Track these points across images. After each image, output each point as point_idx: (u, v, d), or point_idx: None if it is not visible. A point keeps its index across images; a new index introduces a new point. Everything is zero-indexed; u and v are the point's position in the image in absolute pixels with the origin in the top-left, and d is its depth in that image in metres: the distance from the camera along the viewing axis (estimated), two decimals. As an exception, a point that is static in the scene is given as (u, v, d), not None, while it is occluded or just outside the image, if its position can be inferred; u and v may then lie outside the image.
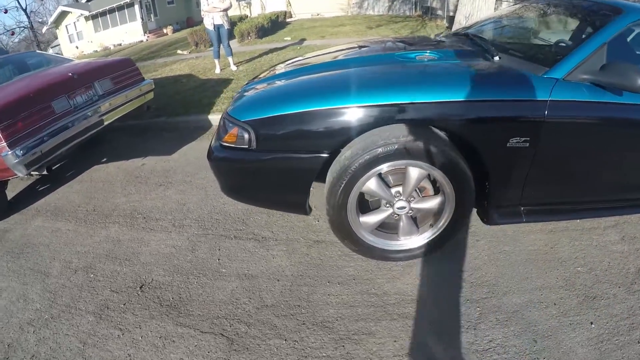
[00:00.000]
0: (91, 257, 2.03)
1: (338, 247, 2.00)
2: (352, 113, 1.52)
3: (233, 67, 5.45)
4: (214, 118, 3.76)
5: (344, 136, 1.56)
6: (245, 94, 1.93)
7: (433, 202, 1.74)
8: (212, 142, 1.89)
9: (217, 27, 5.14)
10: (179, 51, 8.56)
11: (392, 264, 1.90)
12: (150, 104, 3.41)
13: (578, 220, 2.17)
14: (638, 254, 2.06)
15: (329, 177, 1.61)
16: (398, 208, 1.72)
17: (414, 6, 13.22)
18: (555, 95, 1.50)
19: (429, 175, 1.68)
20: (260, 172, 1.70)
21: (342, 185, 1.59)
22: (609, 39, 1.54)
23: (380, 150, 1.50)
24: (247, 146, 1.65)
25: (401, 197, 1.70)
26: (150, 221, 2.29)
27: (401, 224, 1.80)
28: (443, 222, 1.80)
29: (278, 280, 1.81)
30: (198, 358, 1.47)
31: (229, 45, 5.37)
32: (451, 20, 9.39)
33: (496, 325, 1.63)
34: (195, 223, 2.25)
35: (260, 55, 6.43)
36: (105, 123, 2.83)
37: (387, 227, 1.85)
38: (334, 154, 1.59)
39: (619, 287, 1.85)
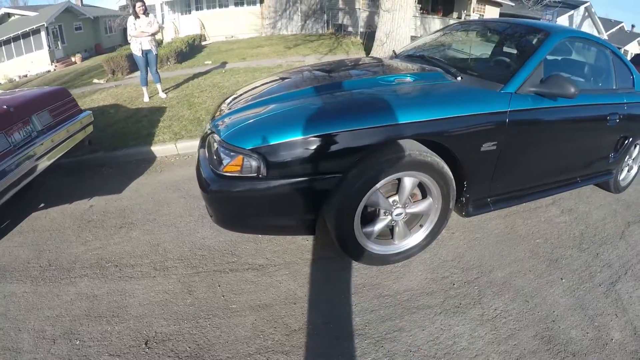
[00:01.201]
0: (67, 320, 1.75)
1: (336, 261, 2.09)
2: (362, 134, 1.67)
3: (162, 95, 5.19)
4: (158, 150, 3.55)
5: (354, 156, 1.69)
6: (233, 118, 1.89)
7: (424, 205, 1.98)
8: (202, 172, 1.82)
9: (145, 53, 4.91)
10: (95, 80, 7.80)
11: (391, 266, 2.07)
12: (91, 138, 3.08)
13: (525, 203, 2.61)
14: (577, 221, 2.62)
15: (339, 196, 1.72)
16: (396, 215, 1.91)
17: (325, 24, 14.23)
18: (513, 106, 1.92)
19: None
20: (271, 199, 1.69)
21: (352, 202, 1.73)
22: (544, 57, 2.01)
23: (384, 166, 1.70)
24: (255, 174, 1.63)
25: (398, 205, 1.90)
26: (125, 269, 2.06)
27: (397, 229, 1.99)
28: (432, 220, 2.04)
29: (294, 304, 1.82)
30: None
31: (157, 72, 5.15)
32: (363, 36, 10.36)
33: (495, 297, 1.91)
34: (179, 263, 2.11)
35: (186, 81, 6.23)
36: (49, 163, 2.47)
37: (381, 235, 2.03)
38: (346, 173, 1.70)
39: (572, 248, 2.33)
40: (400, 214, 1.92)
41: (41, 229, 2.47)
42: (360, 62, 2.71)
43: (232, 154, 1.67)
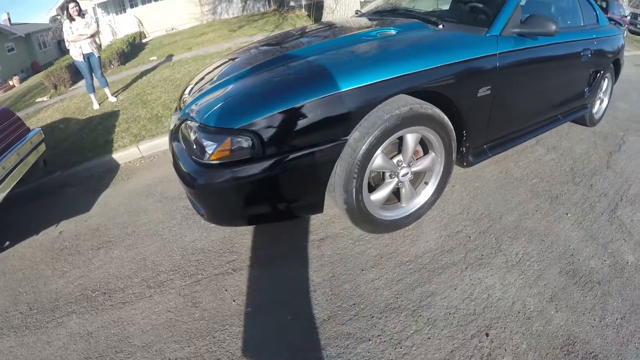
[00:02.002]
0: (65, 370, 1.50)
1: (344, 237, 1.97)
2: (362, 92, 1.51)
3: (112, 99, 4.72)
4: (120, 156, 3.19)
5: (356, 117, 1.54)
6: (206, 100, 1.65)
7: (427, 161, 1.90)
8: (183, 167, 1.59)
9: (87, 57, 4.46)
10: (37, 99, 6.95)
11: (402, 231, 1.99)
12: (46, 158, 2.68)
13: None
14: (564, 157, 2.69)
15: (343, 165, 1.57)
16: (402, 175, 1.81)
17: (267, 2, 13.72)
18: (501, 48, 1.88)
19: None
20: (273, 181, 1.51)
21: (358, 169, 1.59)
22: None
23: (387, 124, 1.56)
24: (249, 156, 1.44)
25: (403, 165, 1.79)
26: (115, 294, 1.80)
27: (403, 190, 1.90)
28: (437, 175, 1.97)
29: (315, 291, 1.67)
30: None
31: (103, 75, 4.69)
32: (308, 8, 10.15)
33: (512, 242, 1.90)
34: (174, 274, 1.88)
35: (134, 81, 5.72)
36: (4, 194, 2.08)
37: (387, 200, 1.91)
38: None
39: (567, 183, 2.37)
40: (407, 174, 1.82)
41: (12, 270, 2.10)
42: (331, 25, 2.53)
43: (217, 137, 1.45)
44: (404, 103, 1.60)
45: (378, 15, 2.48)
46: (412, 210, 1.97)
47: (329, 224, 2.08)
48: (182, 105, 1.87)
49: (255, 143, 1.42)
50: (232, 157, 1.44)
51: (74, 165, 3.06)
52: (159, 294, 1.76)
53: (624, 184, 2.35)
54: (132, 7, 14.85)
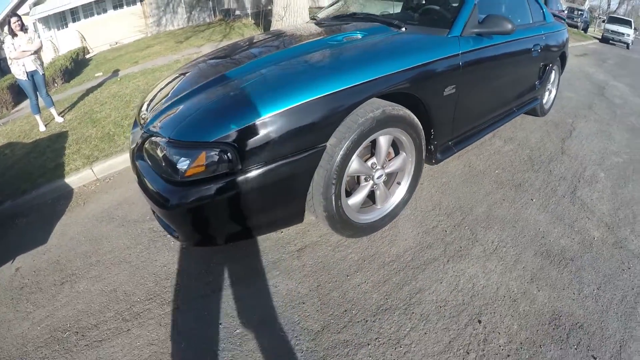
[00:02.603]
0: None
1: (323, 244, 1.95)
2: (338, 97, 1.51)
3: (59, 119, 4.39)
4: (73, 180, 2.95)
5: (333, 122, 1.53)
6: (171, 114, 1.57)
7: (399, 161, 1.94)
8: (151, 187, 1.50)
9: (31, 75, 4.16)
10: None
11: (379, 232, 2.00)
12: None
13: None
14: (521, 147, 2.88)
15: (321, 172, 1.55)
16: (377, 178, 1.83)
17: (212, 12, 13.59)
18: (462, 48, 1.98)
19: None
20: (253, 195, 1.45)
21: (336, 174, 1.58)
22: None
23: (362, 128, 1.58)
24: (227, 170, 1.37)
25: (377, 167, 1.82)
26: (88, 332, 1.63)
27: (378, 192, 1.92)
28: (409, 175, 2.02)
29: (304, 303, 1.63)
30: None
31: (49, 94, 4.37)
32: (254, 16, 10.20)
33: (486, 231, 1.99)
34: (151, 303, 1.74)
35: (81, 99, 5.38)
36: None
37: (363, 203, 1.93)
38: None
39: (528, 171, 2.54)
40: (381, 176, 1.85)
41: (-32, 319, 1.86)
42: (292, 32, 2.53)
43: (190, 152, 1.37)
44: (377, 106, 1.63)
45: (338, 20, 2.52)
46: (387, 211, 1.99)
47: (305, 234, 2.04)
48: (142, 121, 1.77)
49: (231, 156, 1.36)
50: (208, 173, 1.37)
51: (24, 194, 2.79)
52: (138, 327, 1.61)
53: (580, 167, 2.55)
54: (74, 21, 14.05)
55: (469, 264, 1.77)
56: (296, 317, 1.56)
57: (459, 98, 2.03)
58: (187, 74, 2.03)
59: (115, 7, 14.15)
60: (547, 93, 3.33)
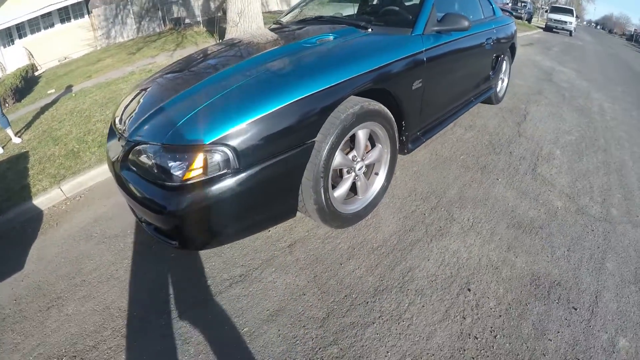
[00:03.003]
0: None
1: (312, 237, 2.02)
2: (323, 95, 1.60)
3: (16, 140, 4.10)
4: (41, 201, 2.79)
5: (320, 120, 1.61)
6: (158, 120, 1.56)
7: (376, 153, 2.07)
8: (143, 195, 1.49)
9: None
10: None
11: (363, 221, 2.11)
12: None
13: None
14: (481, 133, 3.14)
15: (310, 167, 1.64)
16: (358, 169, 1.95)
17: (162, 21, 13.52)
18: (425, 45, 2.15)
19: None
20: (250, 193, 1.48)
21: (324, 169, 1.67)
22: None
23: (344, 124, 1.68)
24: (225, 170, 1.40)
25: (357, 159, 1.93)
26: (87, 354, 1.50)
27: (359, 183, 2.03)
28: (385, 165, 2.15)
29: (304, 294, 1.68)
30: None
31: (4, 115, 4.13)
32: (208, 23, 10.22)
33: (461, 210, 2.17)
34: (150, 316, 1.66)
35: (36, 117, 5.06)
36: None
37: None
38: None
39: (490, 154, 2.78)
40: (361, 167, 1.96)
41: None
42: (264, 37, 2.58)
43: (187, 155, 1.39)
44: (355, 102, 1.74)
45: (304, 23, 2.62)
46: (369, 200, 2.11)
47: (292, 230, 2.09)
48: (122, 131, 1.76)
49: (230, 156, 1.40)
50: (207, 174, 1.39)
51: (-10, 220, 2.61)
52: (141, 341, 1.57)
53: (536, 146, 2.83)
54: (20, 37, 13.25)
55: (451, 241, 1.92)
56: (300, 308, 1.61)
57: (424, 91, 2.20)
58: (164, 80, 2.04)
59: (62, 21, 13.68)
60: (500, 82, 3.64)
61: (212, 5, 14.23)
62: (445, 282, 1.68)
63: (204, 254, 2.00)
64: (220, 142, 1.39)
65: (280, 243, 2.01)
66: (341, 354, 1.40)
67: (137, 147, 1.55)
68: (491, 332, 1.47)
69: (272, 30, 2.72)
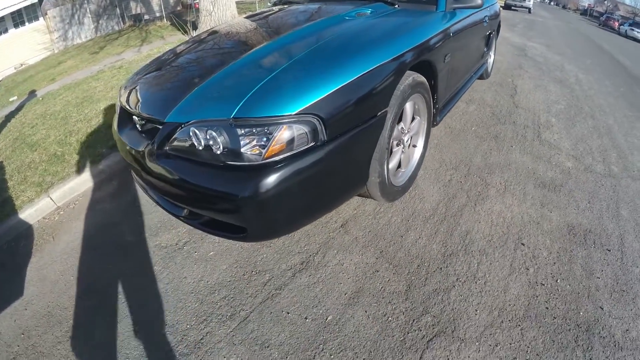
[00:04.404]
0: None
1: (361, 215, 2.08)
2: (389, 66, 1.65)
3: None
4: (30, 214, 2.50)
5: (389, 89, 1.67)
6: (217, 90, 1.47)
7: (416, 124, 2.20)
8: (208, 185, 1.34)
9: None
10: None
11: (407, 195, 2.21)
12: None
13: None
14: (482, 106, 3.43)
15: (380, 138, 1.69)
16: (406, 141, 2.06)
17: (120, 19, 13.77)
18: (450, 21, 2.30)
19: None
20: (334, 166, 1.46)
21: (387, 141, 1.74)
22: None
23: (403, 95, 1.77)
24: (314, 142, 1.34)
25: (405, 132, 2.04)
26: None
27: (402, 155, 2.14)
28: (422, 136, 2.29)
29: (377, 271, 1.74)
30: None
31: None
32: (170, 18, 10.14)
33: (490, 175, 2.40)
34: (208, 325, 1.56)
35: (2, 126, 4.48)
36: None
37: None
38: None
39: (497, 124, 3.09)
40: (408, 140, 2.09)
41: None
42: (284, 13, 2.51)
43: (267, 129, 1.27)
44: (408, 74, 1.83)
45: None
46: (410, 172, 2.23)
47: (337, 210, 2.10)
48: (147, 116, 1.60)
49: (317, 128, 1.34)
50: (292, 149, 1.31)
51: (-27, 243, 2.32)
52: (209, 354, 1.44)
53: (534, 116, 3.17)
54: None
55: (492, 203, 2.13)
56: (378, 285, 1.66)
57: (451, 64, 2.36)
58: (188, 59, 1.96)
59: (16, 25, 13.40)
60: (489, 58, 3.96)
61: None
62: (501, 240, 1.88)
63: (251, 245, 1.93)
64: (308, 112, 1.32)
65: (331, 224, 2.03)
66: (436, 321, 1.49)
67: (184, 128, 1.39)
68: (553, 277, 1.70)
69: (286, 6, 2.70)
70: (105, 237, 2.22)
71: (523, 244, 1.86)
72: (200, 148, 1.35)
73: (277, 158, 1.30)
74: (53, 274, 2.04)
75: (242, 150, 1.28)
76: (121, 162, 2.90)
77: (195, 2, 8.66)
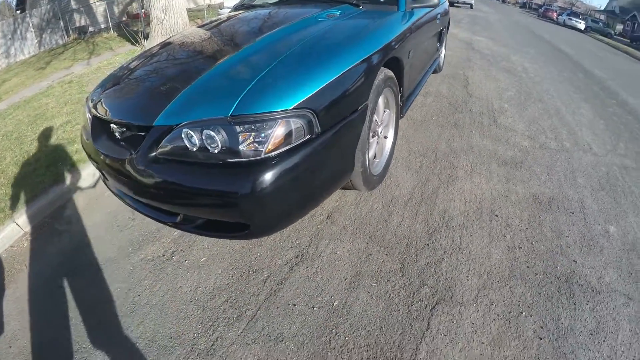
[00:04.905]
0: None
1: (345, 205, 2.18)
2: (369, 61, 1.78)
3: None
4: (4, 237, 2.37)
5: (369, 83, 1.80)
6: (208, 91, 1.48)
7: (387, 117, 2.34)
8: (206, 186, 1.33)
9: None
10: None
11: (383, 183, 2.36)
12: None
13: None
14: (439, 98, 3.70)
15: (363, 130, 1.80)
16: (380, 132, 2.20)
17: (64, 32, 13.28)
18: (410, 20, 2.48)
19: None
20: (326, 158, 1.53)
21: (367, 131, 1.86)
22: None
23: (379, 89, 1.91)
24: (310, 135, 1.41)
25: (379, 124, 2.18)
26: None
27: (376, 145, 2.28)
28: (392, 127, 2.44)
29: (370, 255, 1.84)
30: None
31: None
32: (118, 28, 9.81)
33: (457, 159, 2.61)
34: (215, 330, 1.54)
35: None
36: None
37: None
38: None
39: (455, 113, 3.31)
40: (382, 131, 2.23)
41: None
42: (255, 16, 2.55)
43: (266, 124, 1.31)
44: (381, 69, 1.97)
45: (282, 3, 2.73)
46: (385, 162, 2.37)
47: (326, 202, 2.19)
48: (125, 122, 1.57)
49: (312, 121, 1.42)
50: (290, 143, 1.36)
51: None
52: (224, 358, 1.42)
53: (488, 103, 3.46)
54: None
55: (463, 183, 2.32)
56: (374, 266, 1.77)
57: (413, 59, 2.55)
58: (166, 62, 1.96)
59: None
60: (441, 53, 4.25)
61: (117, 10, 14.07)
62: (476, 214, 2.06)
63: (242, 246, 1.94)
64: (303, 107, 1.39)
65: (317, 217, 2.11)
66: (434, 291, 1.63)
67: (176, 130, 1.37)
68: (528, 241, 1.90)
69: (246, 11, 2.74)
70: (85, 257, 2.09)
71: (496, 215, 2.05)
72: (194, 149, 1.35)
73: (277, 152, 1.34)
74: (34, 305, 1.89)
75: (241, 147, 1.30)
76: (91, 176, 2.79)
77: (142, 11, 8.43)
